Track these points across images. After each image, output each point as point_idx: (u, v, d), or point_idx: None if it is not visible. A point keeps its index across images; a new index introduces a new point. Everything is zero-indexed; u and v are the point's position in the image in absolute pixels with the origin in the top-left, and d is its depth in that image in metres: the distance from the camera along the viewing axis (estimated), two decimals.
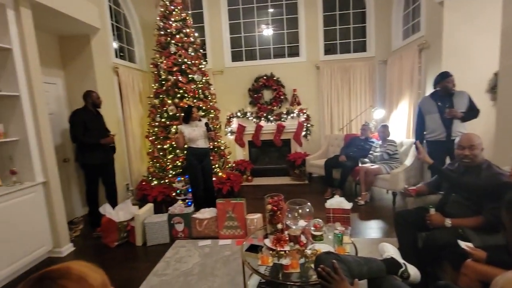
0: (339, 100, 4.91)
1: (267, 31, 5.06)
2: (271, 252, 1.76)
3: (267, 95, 5.05)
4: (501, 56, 2.49)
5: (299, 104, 4.95)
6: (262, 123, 4.98)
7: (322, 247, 1.84)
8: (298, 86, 4.97)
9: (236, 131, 5.04)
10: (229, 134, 5.09)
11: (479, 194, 1.79)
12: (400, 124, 4.25)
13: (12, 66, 2.38)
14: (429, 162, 2.15)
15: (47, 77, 3.30)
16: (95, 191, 3.22)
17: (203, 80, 4.20)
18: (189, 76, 4.03)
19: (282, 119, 4.94)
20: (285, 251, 1.73)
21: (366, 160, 3.86)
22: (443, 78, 3.00)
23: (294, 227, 2.05)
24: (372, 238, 2.77)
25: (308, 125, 4.98)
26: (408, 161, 3.57)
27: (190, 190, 3.52)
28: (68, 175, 3.57)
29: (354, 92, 4.87)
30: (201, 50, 4.43)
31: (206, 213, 2.89)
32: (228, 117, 5.05)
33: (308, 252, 1.74)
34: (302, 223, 2.10)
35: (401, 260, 1.41)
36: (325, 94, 4.92)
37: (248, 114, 4.98)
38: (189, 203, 3.38)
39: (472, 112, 2.91)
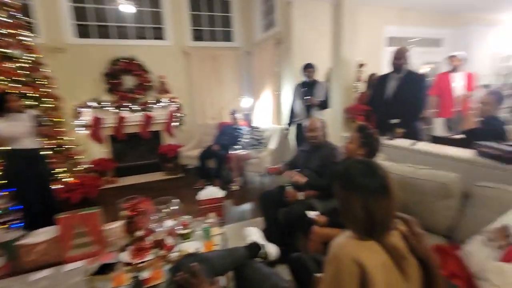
0: (210, 88, 4.86)
1: (125, 7, 4.31)
2: (127, 268, 1.46)
3: (129, 81, 4.38)
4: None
5: (168, 92, 4.56)
6: (125, 113, 4.30)
7: (190, 246, 1.70)
8: (166, 72, 4.56)
9: (91, 124, 4.13)
10: (80, 128, 4.11)
11: (322, 166, 2.12)
12: (265, 111, 4.65)
13: None
14: (303, 181, 2.05)
15: None
16: None
17: (29, 58, 3.13)
18: (3, 51, 2.90)
19: (150, 109, 4.42)
20: (144, 262, 1.47)
21: (238, 147, 4.01)
22: (303, 69, 3.40)
23: (159, 229, 1.82)
24: (245, 221, 2.89)
25: (180, 114, 4.70)
26: (272, 145, 3.95)
27: (18, 207, 2.59)
28: None
29: (224, 80, 4.95)
30: (25, 18, 3.27)
31: (41, 235, 2.18)
32: (78, 108, 4.05)
33: (174, 255, 1.56)
34: (169, 223, 1.90)
35: (261, 241, 1.46)
36: (196, 82, 4.76)
37: (106, 103, 4.16)
38: (17, 225, 2.49)
39: (328, 101, 3.34)
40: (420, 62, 4.99)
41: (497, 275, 1.01)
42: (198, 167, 4.07)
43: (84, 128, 4.13)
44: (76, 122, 4.07)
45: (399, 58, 2.43)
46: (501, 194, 1.28)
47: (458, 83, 3.67)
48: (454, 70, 3.67)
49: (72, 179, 3.28)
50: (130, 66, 4.27)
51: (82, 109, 4.08)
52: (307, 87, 3.42)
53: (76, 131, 4.07)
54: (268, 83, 4.47)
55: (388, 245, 0.79)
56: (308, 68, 3.36)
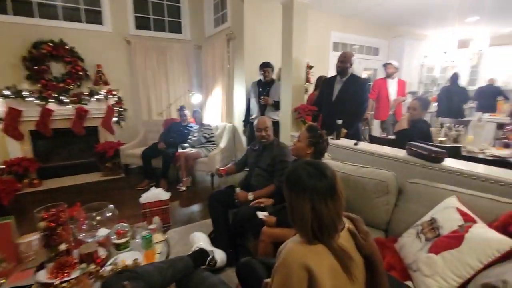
0: (155, 82, 4.51)
1: None
2: None
3: (57, 68, 3.79)
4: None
5: (106, 84, 4.09)
6: (52, 106, 3.71)
7: (128, 256, 1.51)
8: (103, 61, 4.08)
9: (5, 117, 3.47)
10: None
11: (272, 165, 2.11)
12: (215, 109, 4.51)
13: None
14: (270, 202, 1.93)
15: None
16: None
17: None
18: None
19: (84, 102, 3.90)
20: (68, 280, 1.25)
21: (186, 145, 3.80)
22: (259, 68, 3.34)
23: (91, 240, 1.59)
24: (193, 224, 2.73)
25: (121, 109, 4.26)
26: (223, 143, 3.85)
27: None
28: None
29: (171, 74, 4.65)
30: None
31: None
32: None
33: (107, 269, 1.36)
34: (103, 232, 1.67)
35: (209, 248, 1.36)
36: (140, 74, 4.36)
37: (26, 93, 3.53)
38: None
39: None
40: (359, 68, 5.43)
41: (427, 266, 1.09)
42: (142, 166, 3.75)
43: None
44: None
45: (345, 62, 2.55)
46: (430, 190, 1.42)
47: (392, 89, 4.08)
48: (389, 76, 4.06)
49: None
50: (58, 51, 3.69)
51: None
52: (263, 87, 3.39)
53: None
54: (219, 80, 4.34)
55: (335, 248, 0.78)
56: (265, 67, 3.31)
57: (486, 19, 4.94)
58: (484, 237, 1.00)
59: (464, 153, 2.34)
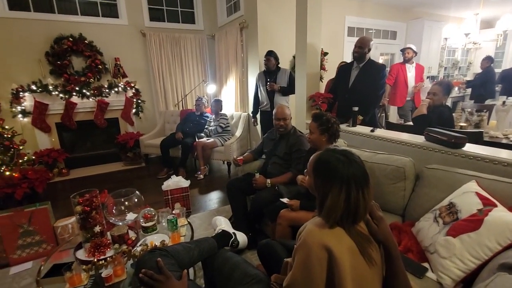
0: (171, 73, 4.59)
1: None
2: (84, 266, 1.35)
3: (78, 63, 3.94)
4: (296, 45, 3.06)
5: (124, 76, 4.21)
6: (75, 99, 3.88)
7: (156, 238, 1.63)
8: (121, 54, 4.19)
9: (33, 110, 3.67)
10: (20, 115, 3.62)
11: (289, 154, 2.15)
12: (230, 98, 4.55)
13: None
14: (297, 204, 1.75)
15: None
16: None
17: None
18: None
19: (104, 95, 4.05)
20: (105, 259, 1.37)
21: (202, 134, 3.89)
22: (264, 57, 3.36)
23: (121, 223, 1.71)
24: (212, 209, 2.85)
25: (139, 101, 4.39)
26: (238, 132, 3.91)
27: None
28: None
29: (186, 65, 4.70)
30: None
31: None
32: (15, 91, 3.56)
33: (138, 249, 1.48)
34: (131, 216, 1.79)
35: (231, 230, 1.44)
36: (156, 66, 4.45)
37: (51, 87, 3.70)
38: None
39: (290, 87, 3.33)
40: (376, 53, 5.27)
41: (445, 248, 1.12)
42: (161, 156, 3.89)
43: (24, 115, 3.64)
44: (15, 109, 3.58)
45: (363, 47, 2.50)
46: (448, 175, 1.42)
47: (410, 74, 3.96)
48: (407, 61, 3.94)
49: (13, 173, 2.90)
50: (78, 46, 3.82)
51: (22, 93, 3.59)
52: (269, 75, 3.42)
53: (18, 118, 3.59)
54: (233, 69, 4.36)
55: (354, 232, 0.81)
56: (266, 55, 3.33)
57: None
58: (504, 220, 1.01)
59: (486, 139, 2.28)
